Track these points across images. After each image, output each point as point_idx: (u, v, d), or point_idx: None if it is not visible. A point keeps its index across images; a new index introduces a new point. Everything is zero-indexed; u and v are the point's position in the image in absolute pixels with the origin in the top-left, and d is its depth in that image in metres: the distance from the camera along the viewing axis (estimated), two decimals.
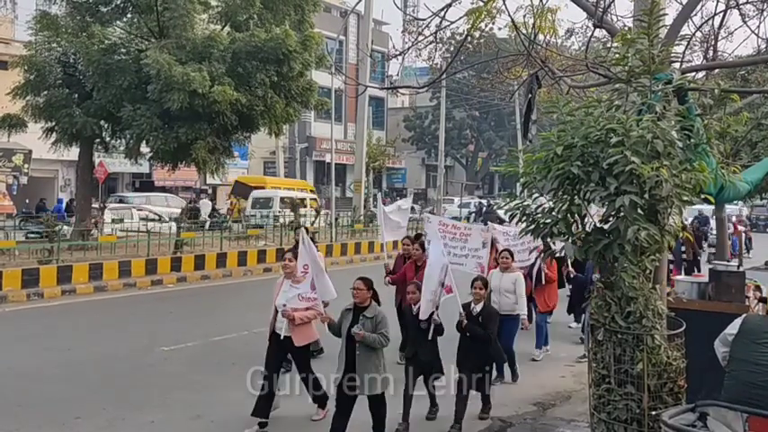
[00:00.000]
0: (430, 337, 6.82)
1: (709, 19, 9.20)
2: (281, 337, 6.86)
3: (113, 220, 20.76)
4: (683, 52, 7.14)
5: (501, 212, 21.33)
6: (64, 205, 26.23)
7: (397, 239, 10.99)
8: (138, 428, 6.88)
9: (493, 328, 7.17)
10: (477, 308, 7.16)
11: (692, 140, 5.24)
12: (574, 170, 4.98)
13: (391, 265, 9.82)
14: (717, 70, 9.75)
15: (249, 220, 24.79)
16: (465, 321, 6.91)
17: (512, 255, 9.08)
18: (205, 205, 28.71)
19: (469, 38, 13.25)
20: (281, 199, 26.27)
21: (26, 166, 26.19)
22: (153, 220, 21.92)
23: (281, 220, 23.09)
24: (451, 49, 35.13)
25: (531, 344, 9.99)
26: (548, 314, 10.08)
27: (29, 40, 19.14)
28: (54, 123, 18.64)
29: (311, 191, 31.41)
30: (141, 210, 23.53)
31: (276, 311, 7.05)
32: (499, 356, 7.77)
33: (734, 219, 24.50)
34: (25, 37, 20.35)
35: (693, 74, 7.25)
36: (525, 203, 5.57)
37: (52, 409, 7.24)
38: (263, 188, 29.63)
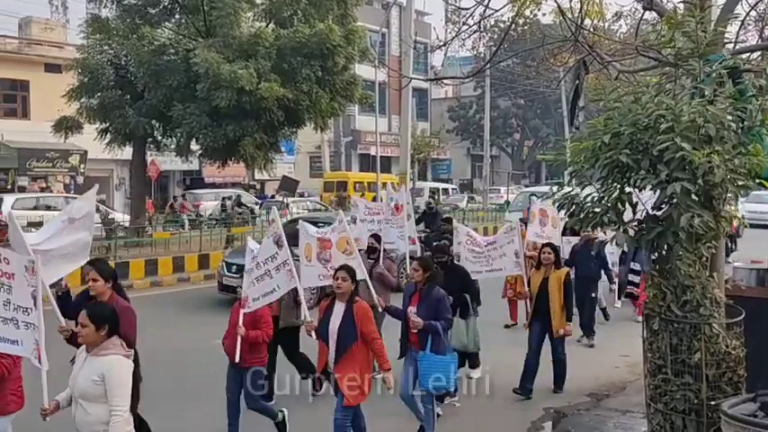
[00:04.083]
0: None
1: None
2: None
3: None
4: (737, 32, 6.93)
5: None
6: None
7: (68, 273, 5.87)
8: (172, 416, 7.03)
9: None
10: None
11: (745, 123, 5.10)
12: (623, 158, 4.90)
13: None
14: None
15: None
16: None
17: None
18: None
19: (514, 25, 13.07)
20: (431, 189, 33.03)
21: (82, 166, 27.06)
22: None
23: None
24: (495, 37, 34.79)
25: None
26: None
27: (81, 43, 19.67)
28: (108, 124, 19.17)
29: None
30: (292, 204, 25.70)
31: None
32: None
33: None
34: (77, 40, 20.90)
35: (748, 54, 7.03)
36: (574, 193, 5.51)
37: None
38: (344, 183, 33.80)
